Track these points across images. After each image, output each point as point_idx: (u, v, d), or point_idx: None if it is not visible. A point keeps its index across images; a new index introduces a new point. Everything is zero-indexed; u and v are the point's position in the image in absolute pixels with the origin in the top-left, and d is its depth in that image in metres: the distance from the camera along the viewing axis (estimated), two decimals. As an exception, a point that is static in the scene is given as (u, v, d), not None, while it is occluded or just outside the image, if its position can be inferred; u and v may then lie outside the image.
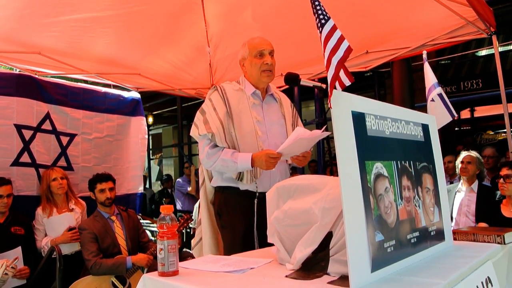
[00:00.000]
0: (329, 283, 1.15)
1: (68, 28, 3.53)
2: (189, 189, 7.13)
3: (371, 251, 1.12)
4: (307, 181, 1.39)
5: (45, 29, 3.50)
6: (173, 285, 1.24)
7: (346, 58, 2.31)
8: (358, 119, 1.20)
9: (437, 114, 3.08)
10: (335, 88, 2.22)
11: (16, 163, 3.65)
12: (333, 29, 2.33)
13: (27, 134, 3.74)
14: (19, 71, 3.96)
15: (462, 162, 3.76)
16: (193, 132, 2.35)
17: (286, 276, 1.24)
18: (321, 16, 2.34)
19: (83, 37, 3.72)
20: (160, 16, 3.68)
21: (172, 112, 13.16)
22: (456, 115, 3.35)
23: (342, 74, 2.27)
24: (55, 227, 3.49)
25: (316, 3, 2.36)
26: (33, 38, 3.60)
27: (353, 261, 1.06)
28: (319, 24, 2.36)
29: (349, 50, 2.29)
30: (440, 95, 3.17)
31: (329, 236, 1.25)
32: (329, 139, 2.57)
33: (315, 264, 1.25)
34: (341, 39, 2.31)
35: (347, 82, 2.30)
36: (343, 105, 1.17)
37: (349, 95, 1.20)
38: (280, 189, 1.45)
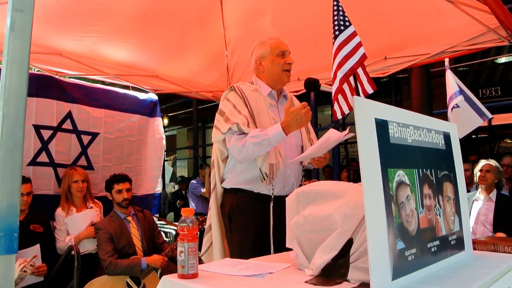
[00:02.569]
0: (349, 290, 1.15)
1: (88, 37, 3.64)
2: (203, 190, 7.15)
3: (392, 259, 1.12)
4: (327, 187, 1.39)
5: (67, 37, 3.60)
6: (192, 287, 1.25)
7: (360, 64, 2.31)
8: (381, 126, 1.20)
9: (464, 120, 3.04)
10: (358, 95, 2.22)
11: (33, 163, 3.71)
12: (353, 35, 2.33)
13: (46, 134, 3.80)
14: (39, 71, 4.03)
15: (480, 170, 3.72)
16: (216, 135, 2.28)
17: (306, 282, 1.24)
18: (336, 27, 2.34)
19: (103, 45, 3.83)
20: (179, 25, 3.74)
21: (187, 114, 13.23)
22: (490, 115, 3.28)
23: (365, 81, 2.27)
24: (78, 224, 3.53)
25: (335, 13, 2.36)
26: (55, 43, 3.69)
27: (374, 269, 1.06)
28: (334, 34, 2.37)
29: (364, 57, 2.30)
30: (467, 100, 3.11)
31: (349, 242, 1.24)
32: (347, 144, 2.57)
33: (334, 270, 1.25)
34: (358, 46, 2.32)
35: (370, 90, 2.30)
36: (366, 112, 1.17)
37: (372, 102, 1.20)
38: (300, 194, 1.45)
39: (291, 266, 1.46)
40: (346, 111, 2.39)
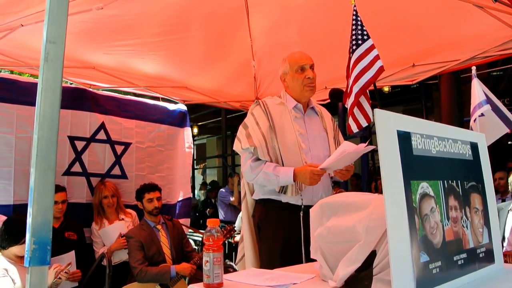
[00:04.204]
0: (372, 302, 1.15)
1: (120, 51, 3.77)
2: (231, 199, 7.21)
3: (416, 272, 1.11)
4: (351, 199, 1.40)
5: (100, 51, 3.74)
6: (218, 297, 1.28)
7: (376, 78, 2.31)
8: (404, 138, 1.20)
9: (489, 129, 2.96)
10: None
11: (68, 172, 3.86)
12: (371, 48, 2.33)
13: (80, 145, 3.94)
14: (71, 83, 4.20)
15: (515, 179, 3.60)
16: (236, 146, 2.39)
17: (329, 293, 1.25)
18: (354, 41, 2.34)
19: (134, 59, 3.96)
20: (206, 36, 3.81)
21: (216, 123, 13.40)
22: None
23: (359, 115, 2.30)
24: (110, 236, 3.69)
25: (353, 27, 2.35)
26: (89, 57, 3.83)
27: (397, 282, 1.06)
28: (351, 49, 2.37)
29: (380, 70, 2.29)
30: (493, 108, 3.04)
31: (372, 254, 1.24)
32: (374, 153, 2.55)
33: (358, 282, 1.25)
34: (375, 59, 2.31)
35: (364, 123, 2.33)
36: (388, 124, 1.17)
37: (394, 115, 1.20)
38: (323, 205, 1.46)
39: (315, 277, 1.47)
40: (364, 124, 2.39)
